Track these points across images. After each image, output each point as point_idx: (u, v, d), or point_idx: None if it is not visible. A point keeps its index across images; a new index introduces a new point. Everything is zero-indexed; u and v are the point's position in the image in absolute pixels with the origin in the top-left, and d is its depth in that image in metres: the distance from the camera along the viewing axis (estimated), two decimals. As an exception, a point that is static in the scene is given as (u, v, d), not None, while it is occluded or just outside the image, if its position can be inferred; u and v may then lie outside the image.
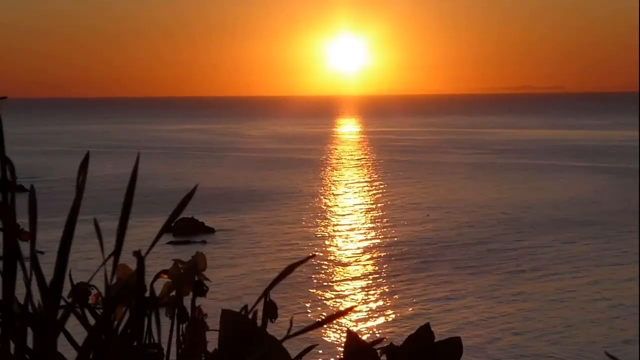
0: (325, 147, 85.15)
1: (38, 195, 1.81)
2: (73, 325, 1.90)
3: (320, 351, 17.85)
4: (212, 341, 2.29)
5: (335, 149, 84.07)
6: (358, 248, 31.93)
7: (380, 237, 34.27)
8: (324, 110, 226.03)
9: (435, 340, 2.69)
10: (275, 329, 2.29)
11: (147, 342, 2.02)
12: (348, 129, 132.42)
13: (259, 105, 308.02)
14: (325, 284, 26.15)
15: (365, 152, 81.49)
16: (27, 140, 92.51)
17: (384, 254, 30.86)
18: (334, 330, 19.57)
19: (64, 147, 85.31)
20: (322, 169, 62.38)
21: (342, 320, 20.40)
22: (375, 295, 25.12)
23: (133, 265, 1.89)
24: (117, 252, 1.79)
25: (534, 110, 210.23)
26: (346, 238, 33.92)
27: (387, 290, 25.72)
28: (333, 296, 24.81)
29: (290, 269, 1.79)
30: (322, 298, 24.46)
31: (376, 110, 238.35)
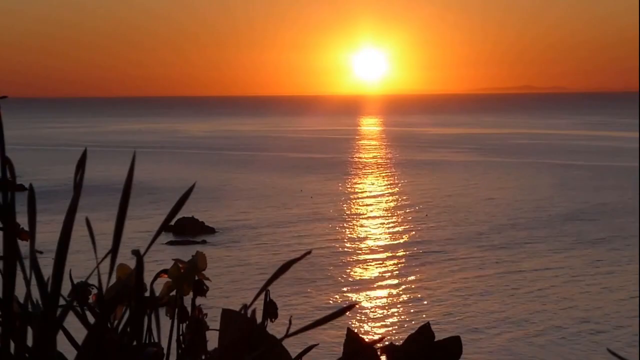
0: (328, 147, 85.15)
1: (37, 194, 1.80)
2: (73, 324, 1.90)
3: (320, 351, 17.85)
4: (212, 341, 2.28)
5: (337, 148, 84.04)
6: (358, 246, 31.92)
7: (380, 235, 34.28)
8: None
9: (435, 340, 2.70)
10: (275, 328, 2.29)
11: (147, 341, 2.02)
12: (352, 128, 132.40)
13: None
14: (325, 282, 26.15)
15: (366, 151, 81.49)
16: (26, 138, 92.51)
17: (384, 252, 30.87)
18: (334, 329, 19.57)
19: (66, 145, 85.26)
20: (323, 168, 62.37)
21: (343, 319, 20.39)
22: (375, 294, 25.13)
23: (132, 264, 1.88)
24: (114, 251, 1.78)
25: (535, 108, 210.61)
26: (346, 236, 33.92)
27: (387, 288, 25.72)
28: (333, 294, 24.81)
29: (287, 265, 1.79)
30: (322, 296, 24.46)
31: (380, 110, 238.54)
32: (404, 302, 24.23)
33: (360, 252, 31.09)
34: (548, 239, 32.81)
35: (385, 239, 33.72)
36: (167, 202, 39.34)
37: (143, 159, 64.51)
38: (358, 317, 22.49)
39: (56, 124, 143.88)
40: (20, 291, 1.77)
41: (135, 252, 1.73)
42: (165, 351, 2.09)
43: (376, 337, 19.93)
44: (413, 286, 25.86)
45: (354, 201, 44.86)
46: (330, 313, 1.73)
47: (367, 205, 43.43)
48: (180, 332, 2.24)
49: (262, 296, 2.23)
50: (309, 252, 1.86)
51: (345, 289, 25.74)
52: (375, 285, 26.24)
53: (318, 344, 2.22)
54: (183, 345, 2.22)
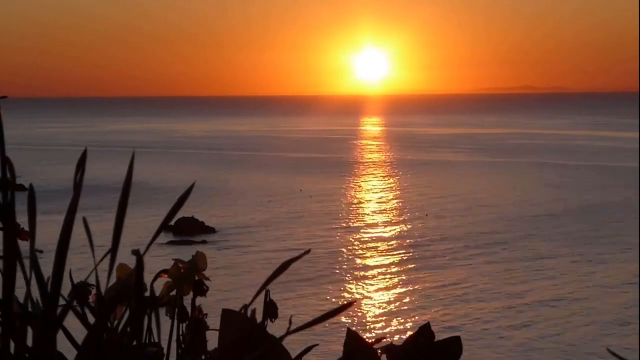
0: (328, 147, 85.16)
1: (37, 194, 1.80)
2: (73, 324, 1.90)
3: (321, 351, 17.85)
4: (212, 341, 2.28)
5: (337, 148, 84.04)
6: (357, 246, 31.93)
7: (380, 235, 34.28)
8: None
9: (435, 340, 2.70)
10: (274, 327, 2.29)
11: (147, 341, 2.02)
12: (352, 128, 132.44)
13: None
14: (324, 281, 26.15)
15: (366, 151, 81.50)
16: (26, 138, 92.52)
17: (384, 252, 30.87)
18: (334, 329, 19.57)
19: (66, 145, 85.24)
20: (323, 168, 62.37)
21: (342, 319, 20.39)
22: (375, 294, 25.13)
23: (132, 264, 1.88)
24: (113, 251, 1.78)
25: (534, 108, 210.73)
26: (345, 236, 33.92)
27: (387, 288, 25.72)
28: (332, 293, 24.81)
29: (286, 264, 1.79)
30: (321, 295, 24.46)
31: (381, 110, 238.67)
32: (403, 301, 24.23)
33: (359, 251, 31.10)
34: (549, 239, 32.81)
35: (386, 238, 33.71)
36: (166, 202, 39.35)
37: (142, 159, 64.51)
38: (358, 317, 22.49)
39: (56, 124, 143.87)
40: (20, 291, 1.77)
41: (135, 252, 1.73)
42: (165, 351, 2.09)
43: (376, 337, 19.96)
44: (413, 286, 25.86)
45: (353, 201, 44.87)
46: (329, 311, 1.73)
47: (367, 204, 43.44)
48: (180, 332, 2.24)
49: (262, 296, 2.23)
50: (307, 251, 1.86)
51: (344, 287, 25.74)
52: (374, 285, 26.24)
53: (318, 344, 2.22)
54: (183, 345, 2.22)
